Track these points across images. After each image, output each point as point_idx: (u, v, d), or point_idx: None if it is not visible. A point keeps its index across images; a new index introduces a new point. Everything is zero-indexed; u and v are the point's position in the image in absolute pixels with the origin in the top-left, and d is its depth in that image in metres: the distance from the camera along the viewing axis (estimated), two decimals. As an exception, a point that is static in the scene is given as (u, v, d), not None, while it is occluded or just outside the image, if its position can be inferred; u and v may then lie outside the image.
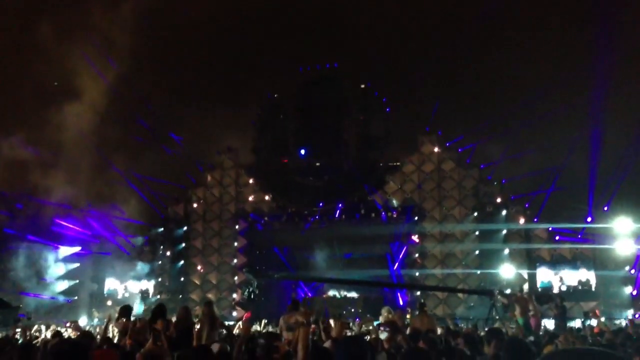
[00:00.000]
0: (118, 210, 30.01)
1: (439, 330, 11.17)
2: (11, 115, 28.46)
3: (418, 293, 27.58)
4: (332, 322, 9.77)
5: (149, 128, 31.03)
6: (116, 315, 9.70)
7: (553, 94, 29.92)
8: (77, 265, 31.34)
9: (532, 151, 28.80)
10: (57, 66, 26.78)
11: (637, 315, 22.87)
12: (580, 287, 26.77)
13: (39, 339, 11.33)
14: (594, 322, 16.01)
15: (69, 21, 29.12)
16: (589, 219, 26.38)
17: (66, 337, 10.05)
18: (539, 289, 26.47)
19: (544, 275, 27.62)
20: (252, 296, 31.18)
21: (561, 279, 27.17)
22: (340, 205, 30.82)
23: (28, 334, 14.31)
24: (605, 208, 26.29)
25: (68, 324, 10.53)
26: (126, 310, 9.44)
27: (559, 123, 29.84)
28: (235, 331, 13.75)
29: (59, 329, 14.96)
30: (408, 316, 16.78)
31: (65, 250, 30.78)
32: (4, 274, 28.76)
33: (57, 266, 30.75)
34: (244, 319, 14.25)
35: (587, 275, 26.88)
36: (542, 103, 30.94)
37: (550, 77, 31.81)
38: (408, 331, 10.15)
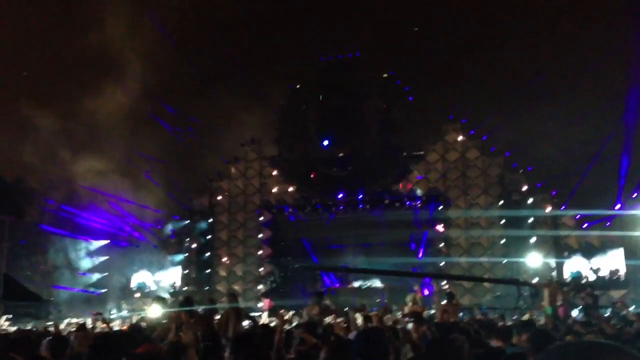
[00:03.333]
0: (144, 203, 30.37)
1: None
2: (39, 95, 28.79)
3: (444, 283, 27.41)
4: (355, 314, 9.75)
5: (173, 114, 31.14)
6: (149, 306, 9.80)
7: (583, 77, 29.25)
8: (106, 257, 31.80)
9: (560, 138, 28.30)
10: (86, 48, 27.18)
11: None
12: (609, 276, 26.33)
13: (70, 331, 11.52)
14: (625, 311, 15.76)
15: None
16: (617, 206, 25.89)
17: (96, 329, 10.20)
18: (571, 279, 26.10)
19: (575, 265, 27.21)
20: (274, 286, 31.40)
21: (592, 269, 26.71)
22: (364, 195, 30.78)
23: (62, 326, 14.60)
24: (635, 194, 25.77)
25: (93, 317, 10.65)
26: (162, 301, 9.52)
27: (590, 106, 29.13)
28: (263, 321, 13.84)
29: (80, 320, 15.23)
30: (434, 305, 16.73)
31: (94, 243, 31.26)
32: (35, 267, 29.36)
33: (87, 259, 31.26)
34: (264, 308, 14.39)
35: (617, 263, 26.42)
36: (571, 87, 30.23)
37: (582, 59, 30.98)
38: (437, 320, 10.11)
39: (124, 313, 25.13)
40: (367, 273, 30.14)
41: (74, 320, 17.06)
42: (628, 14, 27.01)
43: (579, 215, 27.48)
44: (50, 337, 6.20)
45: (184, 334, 5.51)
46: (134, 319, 16.63)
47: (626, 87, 25.21)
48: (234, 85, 36.63)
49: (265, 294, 30.99)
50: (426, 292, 27.53)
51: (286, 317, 14.23)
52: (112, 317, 20.28)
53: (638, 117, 24.52)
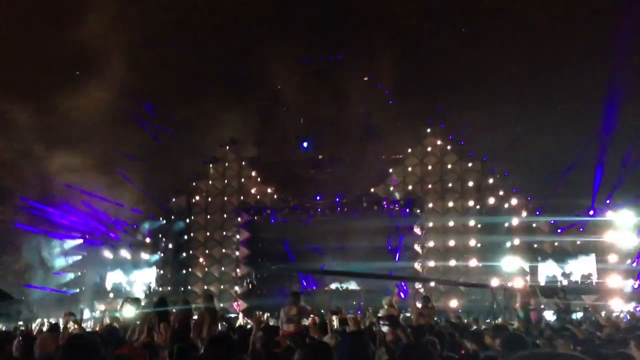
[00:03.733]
0: (120, 202, 30.06)
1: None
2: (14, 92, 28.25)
3: (419, 286, 27.58)
4: (331, 317, 9.77)
5: (151, 113, 30.90)
6: (122, 307, 9.71)
7: (561, 84, 29.59)
8: (79, 257, 31.41)
9: (537, 144, 28.64)
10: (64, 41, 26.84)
11: (637, 308, 22.86)
12: (581, 281, 26.76)
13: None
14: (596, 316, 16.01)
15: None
16: (591, 212, 26.32)
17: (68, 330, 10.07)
18: (545, 283, 26.46)
19: (548, 269, 27.60)
20: (250, 288, 31.35)
21: (564, 274, 27.15)
22: (342, 198, 30.86)
23: (29, 326, 14.37)
24: (608, 201, 26.23)
25: (64, 317, 10.46)
26: (136, 302, 9.44)
27: (566, 114, 29.46)
28: (239, 323, 13.80)
29: (52, 320, 14.99)
30: (410, 309, 16.81)
31: (67, 242, 30.84)
32: (7, 266, 28.89)
33: (60, 258, 30.83)
34: (238, 310, 14.40)
35: (589, 268, 26.86)
36: (549, 94, 30.58)
37: (561, 67, 31.30)
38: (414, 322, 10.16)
39: (97, 313, 24.85)
40: (344, 275, 30.24)
41: (46, 320, 16.79)
42: (608, 24, 27.38)
43: (553, 221, 27.86)
44: (21, 338, 6.11)
45: (157, 335, 5.48)
46: (106, 320, 16.42)
47: (602, 95, 25.63)
48: (214, 85, 36.39)
49: (242, 296, 30.89)
50: (402, 295, 27.66)
51: (263, 319, 14.20)
52: (84, 317, 20.02)
53: (613, 124, 24.94)
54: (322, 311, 16.82)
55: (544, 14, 31.90)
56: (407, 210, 30.56)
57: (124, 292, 30.36)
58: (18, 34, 29.65)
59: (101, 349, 4.10)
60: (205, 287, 31.51)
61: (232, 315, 21.71)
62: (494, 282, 21.88)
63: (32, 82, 29.03)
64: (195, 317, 10.08)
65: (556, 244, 27.81)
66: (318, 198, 31.08)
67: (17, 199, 29.22)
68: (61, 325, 10.62)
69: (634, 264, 25.42)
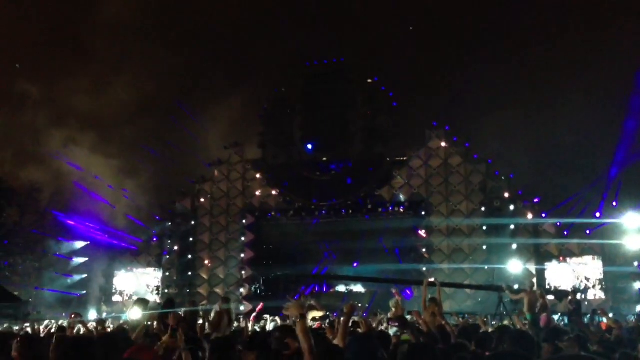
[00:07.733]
0: (127, 204, 30.15)
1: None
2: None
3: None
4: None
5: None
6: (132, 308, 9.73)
7: (571, 87, 29.48)
8: (86, 259, 31.48)
9: (542, 147, 28.59)
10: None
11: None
12: (589, 283, 26.68)
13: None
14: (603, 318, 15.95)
15: None
16: (597, 214, 26.18)
17: (75, 331, 10.08)
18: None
19: (554, 271, 27.53)
20: (258, 292, 31.37)
21: (574, 274, 27.09)
22: (347, 200, 30.81)
23: (37, 327, 14.39)
24: (614, 203, 26.09)
25: (70, 318, 10.40)
26: (143, 303, 9.44)
27: (573, 119, 29.30)
28: (243, 325, 13.79)
29: (61, 323, 15.02)
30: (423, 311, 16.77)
31: (74, 245, 30.91)
32: (14, 268, 28.96)
33: (67, 261, 30.91)
34: (258, 310, 14.43)
35: (595, 271, 26.78)
36: (558, 96, 30.45)
37: (572, 68, 31.09)
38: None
39: (104, 315, 24.89)
40: (348, 280, 30.22)
41: (54, 321, 16.84)
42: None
43: (559, 223, 27.75)
44: (19, 338, 6.10)
45: (180, 335, 5.47)
46: (111, 322, 16.46)
47: (613, 99, 25.41)
48: (219, 86, 36.50)
49: (247, 298, 30.88)
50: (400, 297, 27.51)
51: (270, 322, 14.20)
52: (90, 318, 20.08)
53: (631, 127, 24.71)
54: (328, 313, 16.81)
55: (555, 14, 31.73)
56: (413, 212, 30.48)
57: (130, 293, 30.45)
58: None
59: (95, 353, 4.04)
60: (211, 288, 31.57)
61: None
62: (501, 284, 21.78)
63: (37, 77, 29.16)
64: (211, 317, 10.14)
65: (562, 246, 27.71)
66: (322, 200, 31.03)
67: (24, 201, 29.31)
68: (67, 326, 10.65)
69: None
